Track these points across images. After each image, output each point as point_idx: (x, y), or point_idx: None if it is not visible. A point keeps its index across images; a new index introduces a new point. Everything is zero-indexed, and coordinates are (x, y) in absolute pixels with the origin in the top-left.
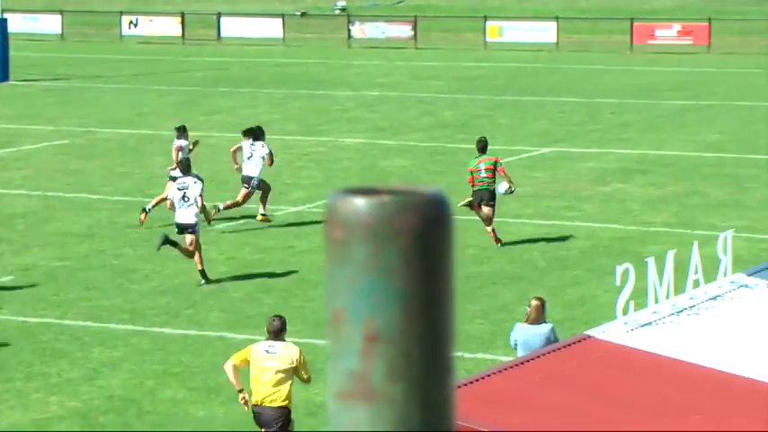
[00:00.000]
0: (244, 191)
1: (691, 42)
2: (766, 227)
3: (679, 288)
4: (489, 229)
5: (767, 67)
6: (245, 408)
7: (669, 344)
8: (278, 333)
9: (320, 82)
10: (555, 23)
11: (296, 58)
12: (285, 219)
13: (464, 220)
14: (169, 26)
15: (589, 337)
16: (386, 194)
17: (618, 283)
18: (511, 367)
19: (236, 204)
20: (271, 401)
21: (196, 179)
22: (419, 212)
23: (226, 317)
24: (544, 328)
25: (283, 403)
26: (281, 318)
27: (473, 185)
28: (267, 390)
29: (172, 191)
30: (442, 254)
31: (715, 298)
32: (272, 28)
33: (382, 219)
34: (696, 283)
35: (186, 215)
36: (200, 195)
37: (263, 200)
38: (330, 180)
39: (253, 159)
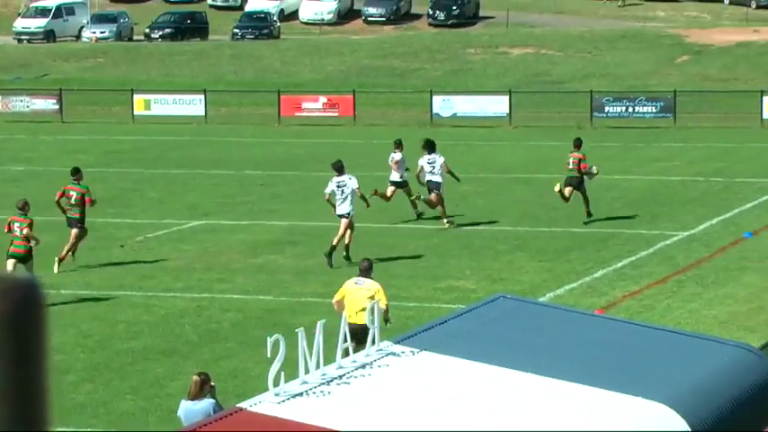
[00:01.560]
0: (434, 195)
1: (336, 114)
2: (411, 294)
3: (329, 358)
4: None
5: (406, 137)
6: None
7: (319, 414)
8: (366, 271)
9: None
10: (203, 96)
11: None
12: None
13: (113, 295)
14: None
15: (241, 409)
16: None
17: (269, 354)
18: None
19: (433, 206)
20: (361, 319)
21: (351, 176)
22: (8, 299)
23: None
24: (204, 404)
25: None
26: (369, 260)
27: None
28: (357, 311)
29: (331, 186)
30: (33, 339)
31: (364, 366)
32: None
33: None
34: (346, 353)
35: (343, 206)
36: (358, 188)
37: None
38: None
39: (435, 169)
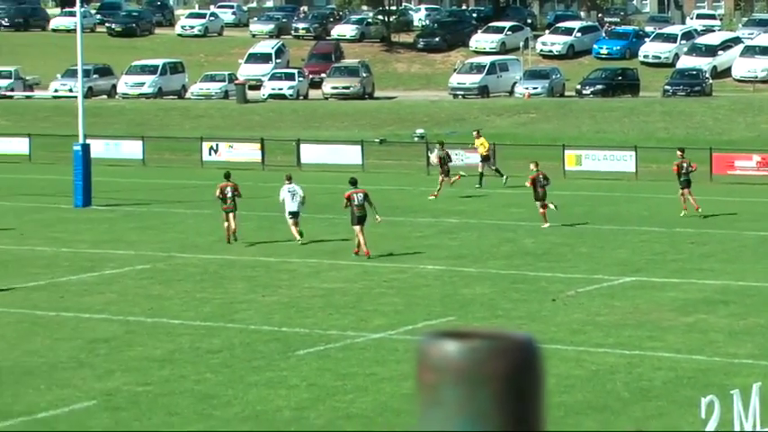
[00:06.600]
0: None
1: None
2: None
3: (765, 421)
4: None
5: None
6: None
7: None
8: None
9: (399, 208)
10: (633, 152)
11: (375, 185)
12: (366, 345)
13: (544, 348)
14: (249, 152)
15: None
16: (476, 339)
17: (703, 415)
18: None
19: None
20: None
21: None
22: (510, 358)
23: None
24: None
25: None
26: None
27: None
28: None
29: None
30: (533, 399)
31: None
32: (351, 154)
33: (474, 363)
34: None
35: None
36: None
37: None
38: (411, 307)
39: None
